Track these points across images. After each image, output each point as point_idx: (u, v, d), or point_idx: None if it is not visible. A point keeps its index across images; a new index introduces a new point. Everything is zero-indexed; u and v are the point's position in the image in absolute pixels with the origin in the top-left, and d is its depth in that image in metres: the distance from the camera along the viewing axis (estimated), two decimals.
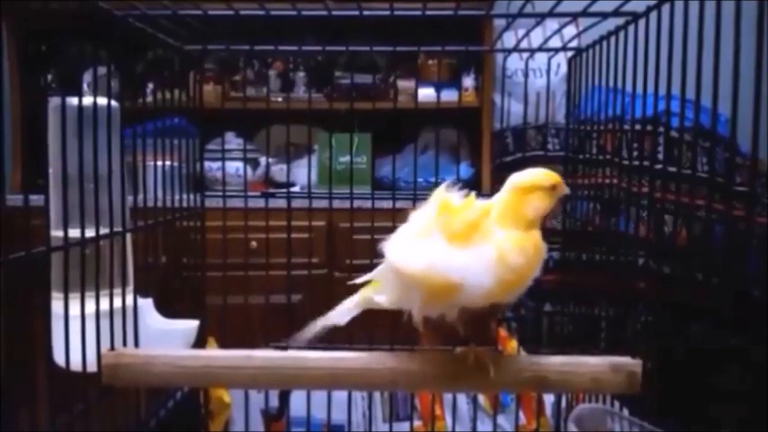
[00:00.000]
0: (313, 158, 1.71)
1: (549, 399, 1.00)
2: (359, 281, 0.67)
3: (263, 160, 1.81)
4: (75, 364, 0.63)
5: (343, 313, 0.67)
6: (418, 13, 0.80)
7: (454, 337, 0.65)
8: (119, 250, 0.68)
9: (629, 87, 0.74)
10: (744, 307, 0.57)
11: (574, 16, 0.80)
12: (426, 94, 1.65)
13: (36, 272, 0.58)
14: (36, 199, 0.60)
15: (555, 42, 0.95)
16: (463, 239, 0.56)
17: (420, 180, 0.97)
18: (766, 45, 0.52)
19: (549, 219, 0.64)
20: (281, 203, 0.95)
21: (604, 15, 0.77)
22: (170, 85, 0.89)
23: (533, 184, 0.59)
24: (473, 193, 0.60)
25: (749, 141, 0.55)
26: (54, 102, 0.64)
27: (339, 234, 1.62)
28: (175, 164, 0.90)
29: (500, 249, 0.55)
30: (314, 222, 0.98)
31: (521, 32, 1.39)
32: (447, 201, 0.58)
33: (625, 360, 0.64)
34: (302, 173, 1.76)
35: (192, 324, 0.83)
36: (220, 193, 0.94)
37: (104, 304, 0.66)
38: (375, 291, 0.66)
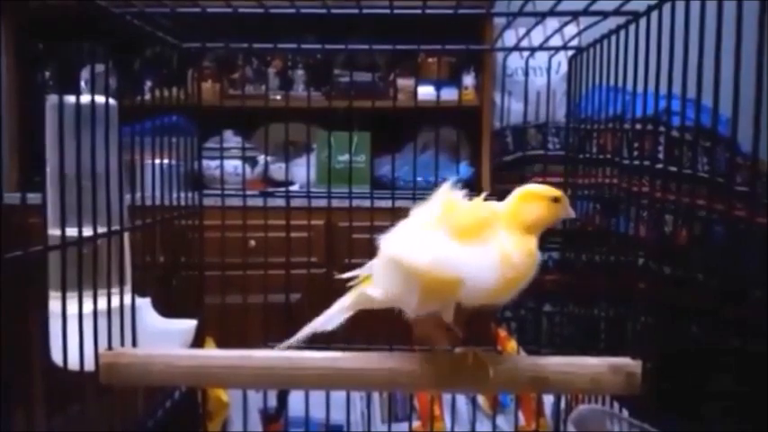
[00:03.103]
0: (312, 157, 1.70)
1: (548, 399, 1.00)
2: (353, 274, 0.66)
3: (261, 159, 1.81)
4: (73, 364, 0.63)
5: (332, 317, 0.66)
6: (418, 11, 0.80)
7: (450, 337, 0.64)
8: (117, 249, 0.68)
9: (629, 86, 0.73)
10: (743, 307, 0.57)
11: (574, 15, 0.79)
12: (426, 92, 1.64)
13: (33, 271, 0.58)
14: (33, 197, 0.60)
15: (555, 41, 0.95)
16: (469, 237, 0.57)
17: (419, 179, 0.97)
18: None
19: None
20: (280, 202, 0.95)
21: (605, 14, 0.77)
22: (168, 83, 0.88)
23: (536, 193, 0.61)
24: (482, 195, 0.62)
25: (750, 141, 0.54)
26: (51, 100, 0.63)
27: (338, 233, 1.62)
28: (173, 162, 0.89)
29: (503, 249, 0.56)
30: (313, 221, 0.98)
31: (521, 31, 1.39)
32: (453, 199, 0.60)
33: (624, 361, 0.64)
34: (301, 171, 1.75)
35: (190, 323, 0.82)
36: (219, 192, 0.94)
37: (102, 303, 0.66)
38: (369, 286, 0.65)
